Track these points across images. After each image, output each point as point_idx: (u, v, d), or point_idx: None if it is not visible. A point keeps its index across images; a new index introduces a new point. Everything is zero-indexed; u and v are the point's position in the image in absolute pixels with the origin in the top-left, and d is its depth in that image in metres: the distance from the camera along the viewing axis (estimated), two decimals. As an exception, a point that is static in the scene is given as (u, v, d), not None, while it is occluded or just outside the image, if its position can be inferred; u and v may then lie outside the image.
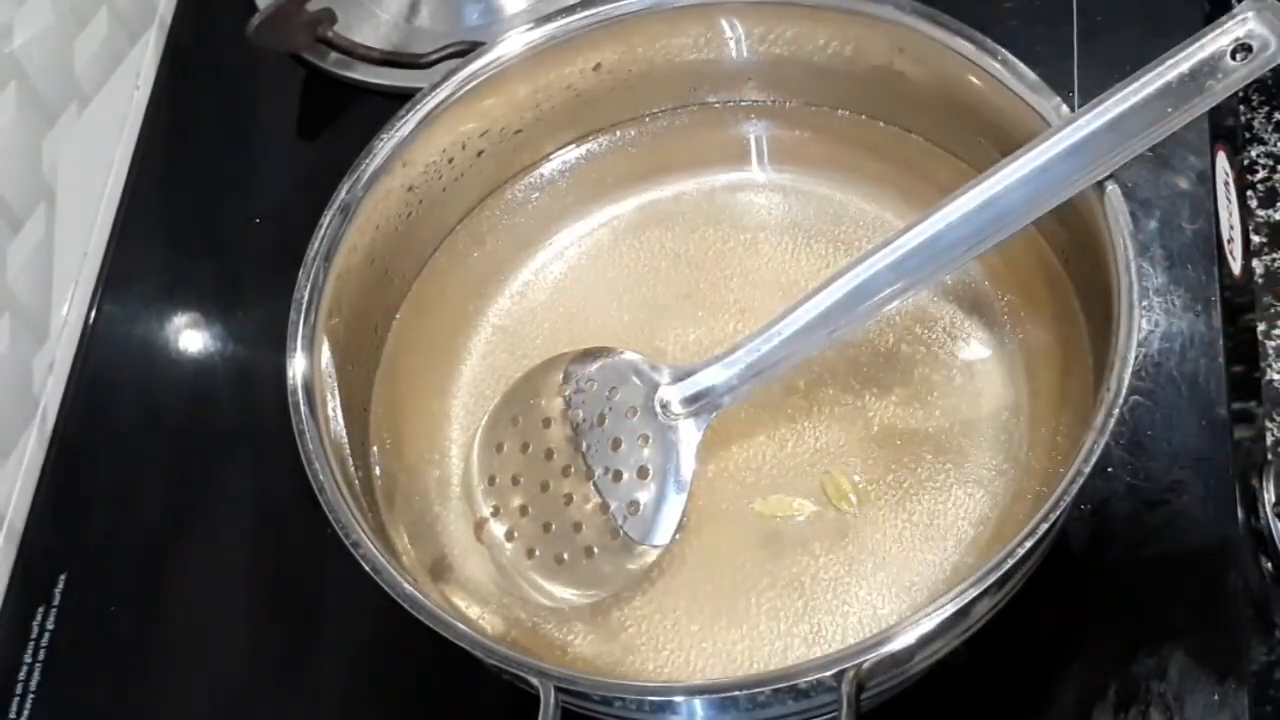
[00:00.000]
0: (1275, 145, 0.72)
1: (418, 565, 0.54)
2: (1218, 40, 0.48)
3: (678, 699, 0.46)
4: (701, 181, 0.63)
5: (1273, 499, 0.56)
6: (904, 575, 0.52)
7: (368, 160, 0.56)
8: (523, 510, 0.54)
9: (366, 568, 0.47)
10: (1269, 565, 0.56)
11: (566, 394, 0.55)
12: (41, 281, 0.67)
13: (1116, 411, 0.45)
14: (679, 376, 0.53)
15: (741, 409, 0.55)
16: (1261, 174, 0.72)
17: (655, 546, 0.52)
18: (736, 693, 0.45)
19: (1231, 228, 0.63)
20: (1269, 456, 0.62)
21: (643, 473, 0.53)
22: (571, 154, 0.63)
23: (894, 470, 0.54)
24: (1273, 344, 0.67)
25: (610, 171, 0.63)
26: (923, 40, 0.56)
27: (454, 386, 0.59)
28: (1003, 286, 0.57)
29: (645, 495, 0.52)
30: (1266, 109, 0.73)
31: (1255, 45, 0.47)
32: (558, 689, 0.45)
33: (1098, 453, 0.45)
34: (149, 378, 0.68)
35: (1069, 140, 0.49)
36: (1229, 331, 0.60)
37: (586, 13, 0.58)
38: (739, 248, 0.61)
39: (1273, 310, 0.67)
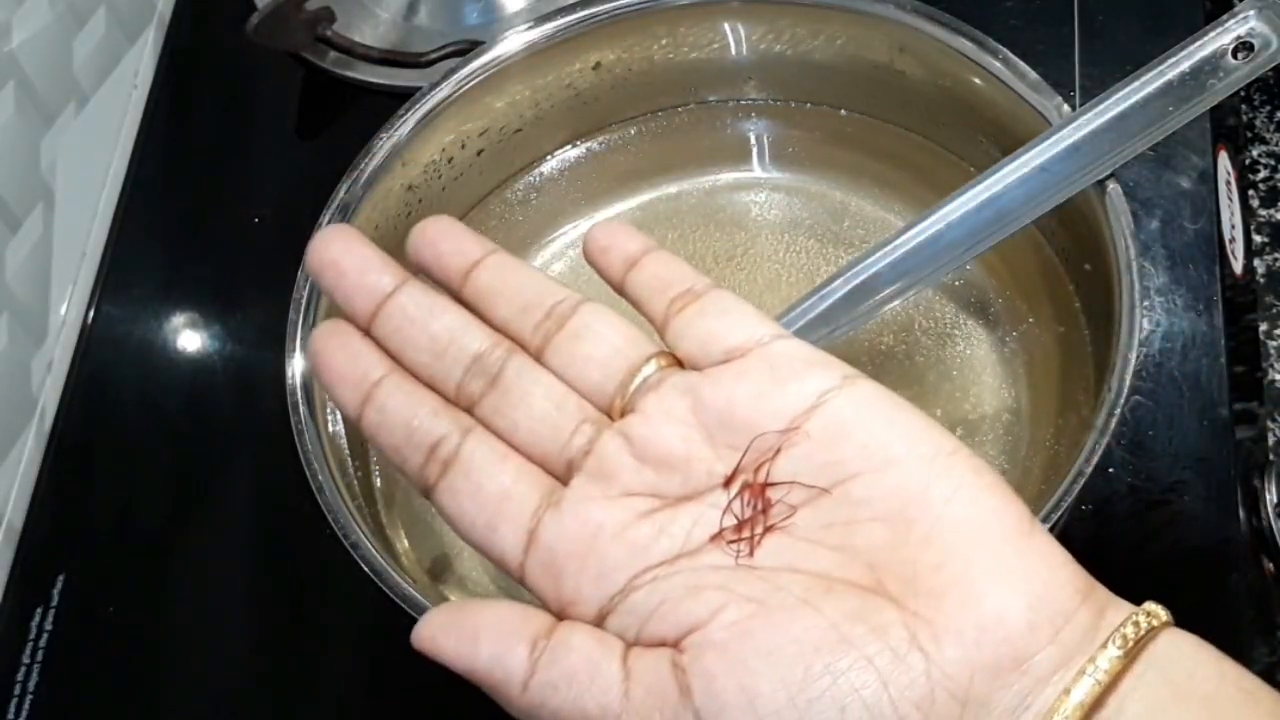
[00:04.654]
0: (1277, 144, 0.72)
1: (417, 565, 0.54)
2: (1219, 39, 0.48)
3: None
4: (702, 181, 0.63)
5: (1274, 499, 0.56)
6: (904, 576, 0.52)
7: (367, 160, 0.56)
8: (522, 510, 0.54)
9: (366, 568, 0.47)
10: (1270, 565, 0.56)
11: (566, 394, 0.54)
12: (40, 281, 0.67)
13: (1118, 412, 0.45)
14: (679, 376, 0.53)
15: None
16: (1263, 173, 0.71)
17: (655, 547, 0.52)
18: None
19: (1233, 227, 0.63)
20: (1270, 457, 0.62)
21: (642, 473, 0.52)
22: (571, 153, 0.63)
23: (894, 470, 0.54)
24: (1274, 344, 0.67)
25: (610, 171, 0.63)
26: (923, 39, 0.55)
27: (453, 386, 0.59)
28: (1003, 286, 0.57)
29: (645, 495, 0.52)
30: (1268, 108, 0.73)
31: (1257, 44, 0.47)
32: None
33: (1099, 453, 0.45)
34: (148, 378, 0.68)
35: (1069, 139, 0.49)
36: (1230, 331, 0.59)
37: (586, 12, 0.58)
38: (739, 247, 0.61)
39: (1274, 310, 0.67)
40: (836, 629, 0.30)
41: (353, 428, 0.54)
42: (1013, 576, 0.30)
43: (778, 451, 0.33)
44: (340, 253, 0.36)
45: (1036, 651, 0.29)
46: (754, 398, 0.33)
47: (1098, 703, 0.29)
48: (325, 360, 0.36)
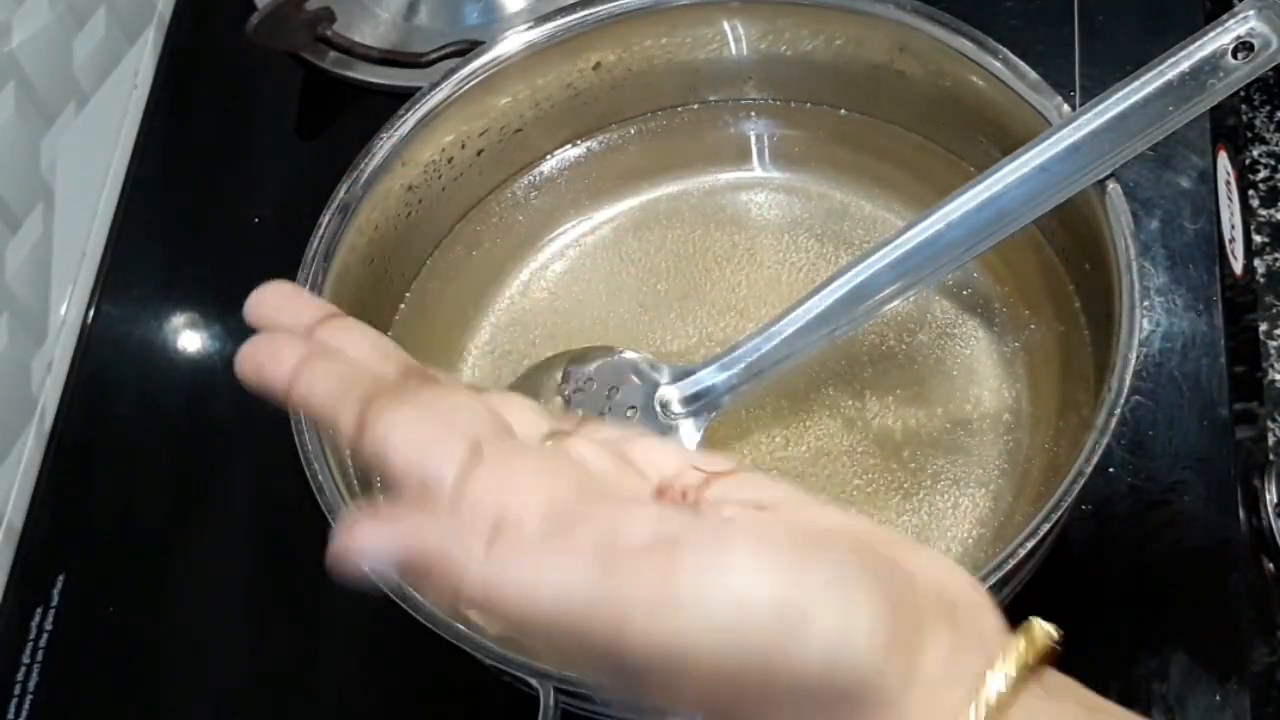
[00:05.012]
0: (1277, 144, 0.72)
1: (417, 566, 0.54)
2: (1219, 39, 0.48)
3: (678, 700, 0.46)
4: (702, 180, 0.63)
5: (1274, 499, 0.56)
6: (905, 576, 0.52)
7: (367, 160, 0.56)
8: (522, 510, 0.54)
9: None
10: (1270, 565, 0.56)
11: (566, 393, 0.54)
12: (40, 281, 0.67)
13: (1118, 412, 0.45)
14: (679, 376, 0.53)
15: (741, 409, 0.55)
16: (1263, 173, 0.72)
17: (655, 547, 0.52)
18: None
19: (1233, 227, 0.63)
20: (1270, 457, 0.62)
21: (643, 473, 0.52)
22: (571, 153, 0.63)
23: (895, 471, 0.54)
24: (1274, 344, 0.67)
25: (610, 170, 0.63)
26: (923, 39, 0.55)
27: (453, 386, 0.59)
28: (1003, 286, 0.57)
29: (645, 495, 0.52)
30: (1268, 108, 0.73)
31: (1257, 44, 0.47)
32: (557, 689, 0.44)
33: (1099, 453, 0.45)
34: (147, 378, 0.68)
35: (1069, 139, 0.49)
36: (1230, 331, 0.59)
37: (586, 12, 0.58)
38: (739, 247, 0.61)
39: (1274, 310, 0.67)
40: (818, 537, 0.30)
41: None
42: (954, 565, 0.32)
43: (708, 478, 0.33)
44: (289, 293, 0.36)
45: (985, 615, 0.31)
46: (679, 454, 0.34)
47: (1041, 660, 0.30)
48: (255, 347, 0.34)
